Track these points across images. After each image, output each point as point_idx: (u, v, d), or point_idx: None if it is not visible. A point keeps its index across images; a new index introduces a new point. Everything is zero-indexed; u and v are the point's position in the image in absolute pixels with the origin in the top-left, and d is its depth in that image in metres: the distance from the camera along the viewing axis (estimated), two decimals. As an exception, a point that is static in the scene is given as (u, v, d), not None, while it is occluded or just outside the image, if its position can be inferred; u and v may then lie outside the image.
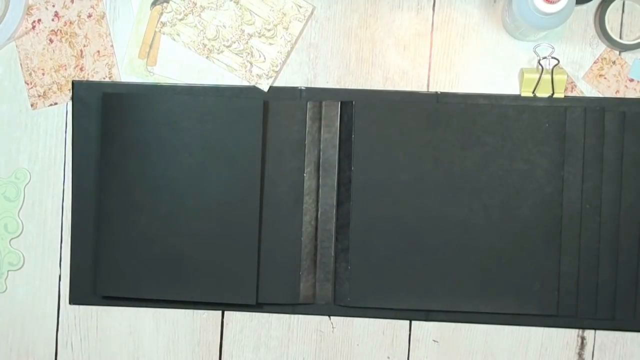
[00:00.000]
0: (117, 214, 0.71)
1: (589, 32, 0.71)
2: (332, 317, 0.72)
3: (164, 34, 0.72)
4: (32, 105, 0.74)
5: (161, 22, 0.72)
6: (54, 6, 0.73)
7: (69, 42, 0.73)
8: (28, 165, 0.74)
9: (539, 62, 0.70)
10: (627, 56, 0.71)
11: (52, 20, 0.73)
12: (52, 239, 0.74)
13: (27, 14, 0.73)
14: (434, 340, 0.72)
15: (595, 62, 0.71)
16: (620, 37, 0.71)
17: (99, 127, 0.72)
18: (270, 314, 0.73)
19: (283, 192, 0.71)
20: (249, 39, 0.71)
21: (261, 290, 0.71)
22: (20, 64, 0.73)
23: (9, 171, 0.74)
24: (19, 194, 0.73)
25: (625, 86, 0.71)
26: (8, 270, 0.73)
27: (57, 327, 0.74)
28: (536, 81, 0.70)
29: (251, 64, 0.72)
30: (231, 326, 0.73)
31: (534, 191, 0.70)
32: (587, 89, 0.71)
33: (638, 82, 0.71)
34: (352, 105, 0.70)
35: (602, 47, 0.71)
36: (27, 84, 0.73)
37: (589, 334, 0.71)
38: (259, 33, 0.71)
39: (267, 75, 0.71)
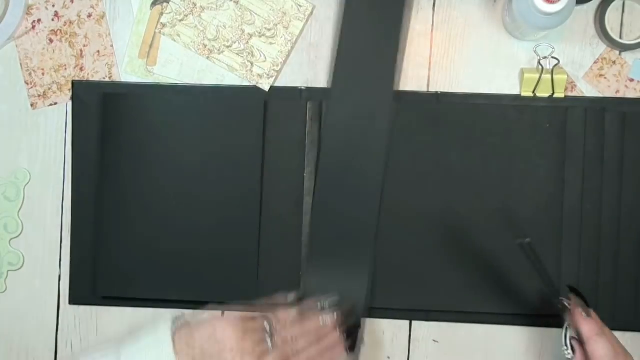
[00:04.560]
0: (117, 213, 0.71)
1: (589, 32, 0.71)
2: (332, 317, 0.72)
3: (164, 35, 0.72)
4: (32, 105, 0.74)
5: (161, 23, 0.72)
6: (54, 6, 0.73)
7: (69, 42, 0.73)
8: (28, 165, 0.74)
9: (539, 62, 0.70)
10: (627, 56, 0.71)
11: (52, 20, 0.73)
12: (52, 239, 0.74)
13: (27, 14, 0.73)
14: (434, 340, 0.72)
15: (595, 62, 0.71)
16: (620, 37, 0.71)
17: (99, 127, 0.72)
18: (270, 314, 0.72)
19: (283, 192, 0.71)
20: (249, 39, 0.71)
21: (261, 290, 0.71)
22: (20, 64, 0.73)
23: (9, 171, 0.74)
24: (19, 194, 0.73)
25: (625, 86, 0.71)
26: (8, 270, 0.73)
27: (57, 327, 0.74)
28: (536, 81, 0.70)
29: (252, 63, 0.72)
30: (231, 326, 0.73)
31: (535, 191, 0.70)
32: (587, 89, 0.71)
33: (638, 82, 0.71)
34: (352, 105, 0.70)
35: (602, 47, 0.71)
36: (27, 84, 0.73)
37: (589, 334, 0.71)
38: (260, 33, 0.71)
39: (267, 74, 0.71)
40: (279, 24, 0.71)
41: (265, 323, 0.61)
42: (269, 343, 0.60)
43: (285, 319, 0.63)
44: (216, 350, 0.59)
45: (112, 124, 0.72)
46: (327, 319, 0.64)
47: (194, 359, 0.58)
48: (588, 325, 0.61)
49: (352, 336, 0.65)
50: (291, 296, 0.66)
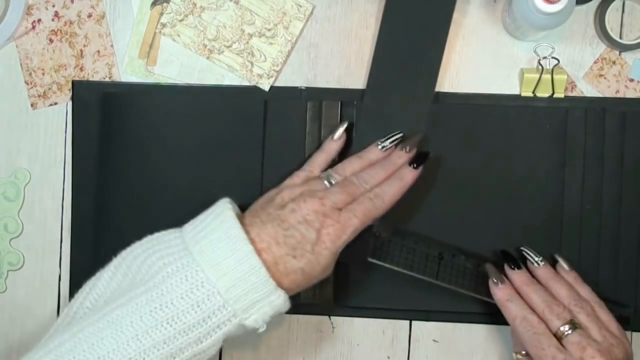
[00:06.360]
0: (117, 213, 0.71)
1: (589, 32, 0.71)
2: (332, 317, 0.72)
3: (164, 35, 0.72)
4: (32, 105, 0.74)
5: (161, 23, 0.72)
6: (54, 6, 0.73)
7: (69, 42, 0.73)
8: (28, 165, 0.74)
9: (539, 62, 0.70)
10: (627, 56, 0.71)
11: (52, 20, 0.73)
12: (52, 239, 0.74)
13: (27, 14, 0.73)
14: (434, 340, 0.72)
15: (595, 62, 0.71)
16: (620, 37, 0.71)
17: (99, 127, 0.72)
18: (270, 314, 0.72)
19: (283, 192, 0.71)
20: (249, 39, 0.71)
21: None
22: (20, 64, 0.73)
23: (9, 171, 0.74)
24: (19, 194, 0.73)
25: (625, 86, 0.71)
26: (8, 270, 0.73)
27: (57, 327, 0.74)
28: (536, 81, 0.70)
29: (252, 63, 0.72)
30: (231, 326, 0.73)
31: (535, 191, 0.70)
32: (587, 89, 0.71)
33: (638, 82, 0.71)
34: (352, 105, 0.70)
35: (602, 47, 0.71)
36: (27, 84, 0.73)
37: (589, 334, 0.71)
38: (260, 33, 0.71)
39: (267, 74, 0.71)
40: (279, 24, 0.71)
41: (323, 173, 0.64)
42: (330, 182, 0.62)
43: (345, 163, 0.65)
44: (277, 202, 0.60)
45: (112, 123, 0.72)
46: (386, 145, 0.65)
47: (262, 220, 0.59)
48: (499, 291, 0.64)
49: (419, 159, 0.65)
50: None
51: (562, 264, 0.67)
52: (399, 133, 0.67)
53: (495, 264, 0.67)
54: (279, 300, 0.57)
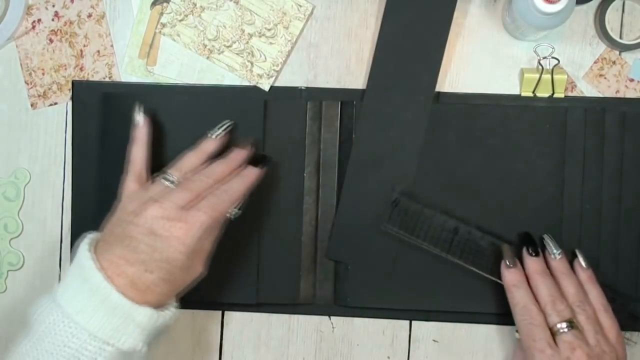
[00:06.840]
0: (117, 214, 0.71)
1: (589, 32, 0.71)
2: (332, 317, 0.72)
3: (164, 35, 0.72)
4: (32, 105, 0.74)
5: (161, 23, 0.72)
6: (54, 6, 0.73)
7: (69, 42, 0.73)
8: (28, 165, 0.74)
9: (539, 62, 0.70)
10: (627, 56, 0.71)
11: (52, 20, 0.73)
12: (52, 239, 0.74)
13: (27, 14, 0.73)
14: (434, 340, 0.72)
15: (595, 62, 0.71)
16: (620, 37, 0.71)
17: (99, 127, 0.72)
18: (270, 314, 0.73)
19: (283, 192, 0.71)
20: (249, 39, 0.72)
21: (261, 290, 0.71)
22: (20, 64, 0.73)
23: (9, 171, 0.74)
24: (19, 194, 0.73)
25: (625, 86, 0.71)
26: (8, 270, 0.73)
27: (57, 327, 0.73)
28: (536, 81, 0.70)
29: (252, 63, 0.72)
30: (231, 326, 0.73)
31: (535, 192, 0.70)
32: (587, 89, 0.71)
33: (638, 82, 0.71)
34: (352, 105, 0.70)
35: (602, 47, 0.71)
36: (27, 84, 0.73)
37: (589, 334, 0.71)
38: (260, 33, 0.71)
39: (267, 74, 0.71)
40: (279, 24, 0.71)
41: (160, 174, 0.64)
42: (169, 182, 0.62)
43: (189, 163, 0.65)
44: (122, 218, 0.60)
45: (112, 124, 0.72)
46: (220, 134, 0.68)
47: (110, 243, 0.58)
48: (509, 274, 0.65)
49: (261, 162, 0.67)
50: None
51: (580, 260, 0.66)
52: (229, 121, 0.68)
53: (512, 245, 0.67)
54: (145, 317, 0.57)
